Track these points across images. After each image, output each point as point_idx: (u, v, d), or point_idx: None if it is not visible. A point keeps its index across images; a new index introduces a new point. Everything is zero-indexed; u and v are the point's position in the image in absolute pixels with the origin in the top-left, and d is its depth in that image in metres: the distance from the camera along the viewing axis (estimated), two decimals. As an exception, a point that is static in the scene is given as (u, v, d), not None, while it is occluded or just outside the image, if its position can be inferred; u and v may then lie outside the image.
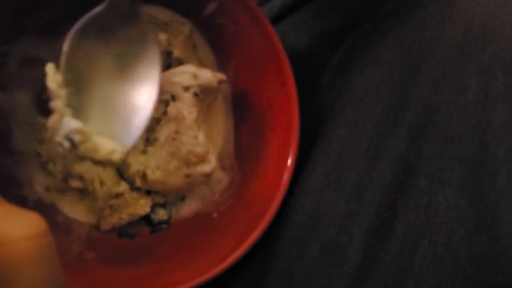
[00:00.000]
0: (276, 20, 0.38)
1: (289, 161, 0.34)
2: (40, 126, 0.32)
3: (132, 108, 0.30)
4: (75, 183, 0.33)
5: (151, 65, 0.31)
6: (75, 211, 0.34)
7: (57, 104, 0.28)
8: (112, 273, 0.32)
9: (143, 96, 0.30)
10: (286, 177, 0.33)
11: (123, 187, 0.33)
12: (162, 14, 0.35)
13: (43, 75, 0.30)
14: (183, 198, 0.36)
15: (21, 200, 0.31)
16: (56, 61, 0.29)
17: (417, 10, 0.35)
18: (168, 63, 0.35)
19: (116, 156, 0.29)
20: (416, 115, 0.31)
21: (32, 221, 0.19)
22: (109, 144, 0.29)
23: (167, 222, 0.35)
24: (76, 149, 0.28)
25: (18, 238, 0.19)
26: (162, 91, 0.34)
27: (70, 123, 0.28)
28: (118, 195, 0.33)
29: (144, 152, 0.34)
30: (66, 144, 0.28)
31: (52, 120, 0.28)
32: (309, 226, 0.32)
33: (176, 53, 0.35)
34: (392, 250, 0.29)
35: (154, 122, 0.34)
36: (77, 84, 0.29)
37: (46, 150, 0.33)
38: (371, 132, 0.32)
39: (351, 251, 0.30)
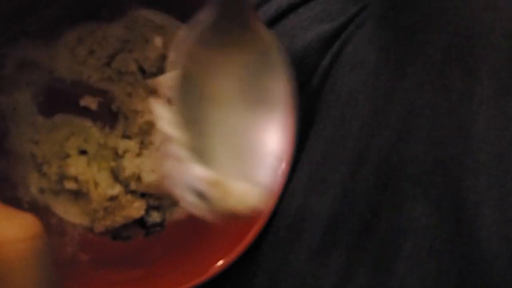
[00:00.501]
0: (271, 23, 0.38)
1: (283, 165, 0.34)
2: (39, 126, 0.32)
3: (264, 139, 0.25)
4: (69, 185, 0.33)
5: (281, 83, 0.25)
6: (69, 213, 0.34)
7: (179, 151, 0.22)
8: (106, 276, 0.32)
9: (274, 123, 0.25)
10: (279, 181, 0.33)
11: (118, 189, 0.33)
12: (157, 17, 0.36)
13: (42, 76, 0.31)
14: (176, 201, 0.36)
15: (15, 202, 0.31)
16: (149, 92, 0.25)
17: (404, 14, 0.35)
18: (163, 66, 0.35)
19: (253, 200, 0.23)
20: (400, 117, 0.31)
21: (28, 222, 0.20)
22: (242, 187, 0.23)
23: (161, 224, 0.35)
24: (206, 201, 0.22)
25: (13, 239, 0.19)
26: (157, 95, 0.34)
27: (196, 171, 0.22)
28: (113, 198, 0.33)
29: (139, 155, 0.34)
30: (192, 198, 0.22)
31: (172, 171, 0.23)
32: (295, 228, 0.32)
33: (171, 57, 0.35)
34: (375, 251, 0.30)
35: (149, 126, 0.34)
36: (192, 119, 0.24)
37: (41, 151, 0.33)
38: (357, 134, 0.32)
39: (336, 252, 0.30)
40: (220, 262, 0.31)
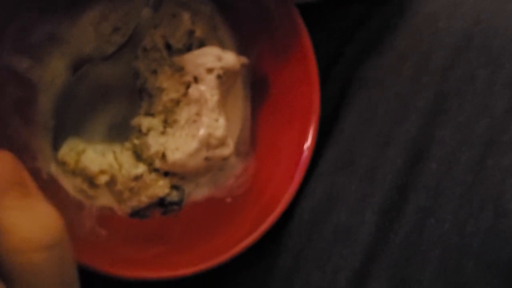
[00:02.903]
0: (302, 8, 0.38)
1: (306, 149, 0.34)
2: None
3: None
4: (100, 180, 0.32)
5: None
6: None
7: None
8: (123, 252, 0.31)
9: None
10: (303, 164, 0.33)
11: (142, 168, 0.33)
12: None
13: (72, 51, 0.30)
14: (198, 183, 0.35)
15: (34, 171, 0.30)
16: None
17: (426, 4, 0.36)
18: (190, 43, 0.35)
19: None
20: (427, 102, 0.32)
21: (52, 225, 0.20)
22: None
23: (178, 203, 0.35)
24: None
25: (38, 247, 0.19)
26: (184, 73, 0.33)
27: None
28: (138, 177, 0.33)
29: (163, 133, 0.33)
30: None
31: None
32: (320, 210, 0.32)
33: (198, 33, 0.35)
34: (402, 231, 0.30)
35: (174, 104, 0.34)
36: None
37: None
38: (383, 118, 0.33)
39: (363, 232, 0.31)
40: (239, 245, 0.31)
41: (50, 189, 0.30)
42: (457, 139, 0.31)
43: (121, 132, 0.33)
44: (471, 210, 0.30)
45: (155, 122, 0.34)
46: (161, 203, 0.35)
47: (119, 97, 0.33)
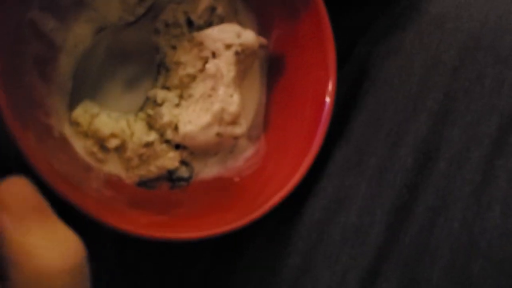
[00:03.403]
0: None
1: (319, 136, 0.34)
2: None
3: None
4: (112, 144, 0.32)
5: None
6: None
7: None
8: (130, 215, 0.31)
9: None
10: (315, 148, 0.33)
11: (153, 136, 0.33)
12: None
13: (97, 19, 0.31)
14: (207, 161, 0.35)
15: (47, 128, 0.30)
16: None
17: (435, 5, 0.36)
18: (210, 21, 0.35)
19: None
20: (436, 101, 0.33)
21: (73, 250, 0.19)
22: None
23: (186, 180, 0.35)
24: None
25: (60, 272, 0.19)
26: (202, 48, 0.34)
27: None
28: (148, 144, 0.33)
29: (178, 105, 0.34)
30: None
31: None
32: (330, 209, 0.32)
33: (220, 10, 0.35)
34: (411, 231, 0.30)
35: (190, 79, 0.34)
36: None
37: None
38: (392, 118, 0.33)
39: (373, 232, 0.31)
40: (246, 217, 0.31)
41: (60, 148, 0.30)
42: (466, 138, 0.31)
43: (135, 99, 0.34)
44: (479, 210, 0.30)
45: (170, 95, 0.34)
46: (170, 177, 0.35)
47: (136, 64, 0.34)
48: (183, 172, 0.35)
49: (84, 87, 0.32)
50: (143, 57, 0.34)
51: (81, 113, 0.32)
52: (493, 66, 0.33)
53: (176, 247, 0.33)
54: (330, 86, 0.34)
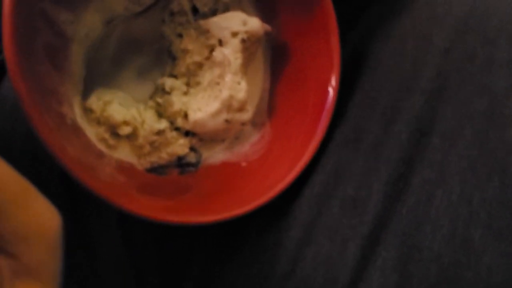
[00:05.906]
0: None
1: (323, 119, 0.34)
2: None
3: None
4: (124, 131, 0.33)
5: None
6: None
7: None
8: (142, 199, 0.32)
9: None
10: (319, 135, 0.34)
11: (164, 124, 0.34)
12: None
13: (105, 10, 0.31)
14: (215, 148, 0.36)
15: (59, 116, 0.30)
16: None
17: None
18: (215, 8, 0.36)
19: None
20: (429, 81, 0.34)
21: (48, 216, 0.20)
22: None
23: (195, 165, 0.36)
24: None
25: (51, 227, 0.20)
26: (209, 36, 0.34)
27: None
28: (160, 132, 0.34)
29: (186, 93, 0.34)
30: None
31: None
32: (329, 184, 0.33)
33: (225, -3, 0.36)
34: (409, 202, 0.31)
35: (196, 67, 0.35)
36: None
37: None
38: (387, 97, 0.34)
39: (371, 203, 0.32)
40: (254, 202, 0.32)
41: (73, 134, 0.31)
42: (459, 115, 0.32)
43: (146, 88, 0.35)
44: (477, 182, 0.31)
45: (178, 83, 0.35)
46: (179, 163, 0.36)
47: (146, 52, 0.34)
48: (192, 157, 0.36)
49: (97, 76, 0.33)
50: (154, 47, 0.35)
51: (95, 100, 0.32)
52: (482, 47, 0.34)
53: (184, 229, 0.34)
54: (335, 72, 0.35)
